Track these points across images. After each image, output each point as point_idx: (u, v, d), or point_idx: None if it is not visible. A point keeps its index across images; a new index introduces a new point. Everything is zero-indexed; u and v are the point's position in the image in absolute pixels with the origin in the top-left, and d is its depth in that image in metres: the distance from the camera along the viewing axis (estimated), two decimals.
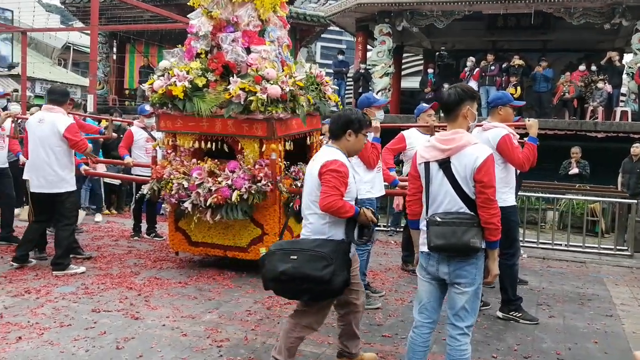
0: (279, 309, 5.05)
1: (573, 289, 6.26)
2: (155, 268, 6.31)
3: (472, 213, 3.18)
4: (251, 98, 5.46)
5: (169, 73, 5.85)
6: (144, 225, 8.23)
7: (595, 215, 10.03)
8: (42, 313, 4.71)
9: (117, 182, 10.07)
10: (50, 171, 5.98)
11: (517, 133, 5.02)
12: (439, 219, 3.17)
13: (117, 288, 5.48)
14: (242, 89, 5.49)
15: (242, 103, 5.51)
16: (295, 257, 3.41)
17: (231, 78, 5.63)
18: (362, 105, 5.39)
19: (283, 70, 5.87)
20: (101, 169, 8.83)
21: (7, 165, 7.19)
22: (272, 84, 5.49)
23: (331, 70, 17.25)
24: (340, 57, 17.62)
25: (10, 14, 26.46)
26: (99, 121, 9.68)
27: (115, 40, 19.32)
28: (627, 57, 15.96)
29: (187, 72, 5.76)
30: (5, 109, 6.55)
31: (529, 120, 5.01)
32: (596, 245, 8.47)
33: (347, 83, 18.29)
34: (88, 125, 8.53)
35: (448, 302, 3.31)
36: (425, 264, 3.32)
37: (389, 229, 9.38)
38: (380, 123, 5.34)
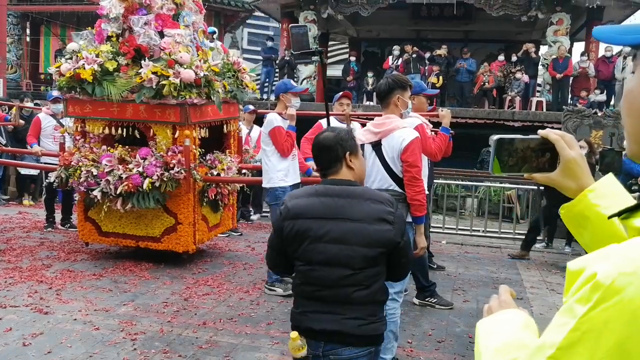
0: (197, 300, 4.96)
1: (488, 273, 6.45)
2: (69, 260, 6.07)
3: (400, 190, 3.58)
4: (163, 82, 5.30)
5: (77, 56, 5.59)
6: (58, 216, 7.85)
7: (512, 202, 10.38)
8: None
9: (35, 171, 9.53)
10: None
11: (430, 122, 5.08)
12: None
13: (27, 282, 5.25)
14: (154, 73, 5.31)
15: (154, 87, 5.33)
16: None
17: (143, 62, 5.43)
18: (279, 91, 5.34)
19: (198, 56, 5.69)
20: None
21: None
22: (185, 68, 5.32)
23: (259, 57, 17.01)
24: (269, 43, 17.41)
25: None
26: (9, 107, 9.13)
27: (28, 22, 18.27)
28: (543, 49, 16.60)
29: (97, 55, 5.52)
30: None
31: (442, 110, 5.07)
32: (511, 231, 8.76)
33: (277, 70, 18.10)
34: None
35: None
36: None
37: None
38: (297, 110, 5.28)
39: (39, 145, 7.47)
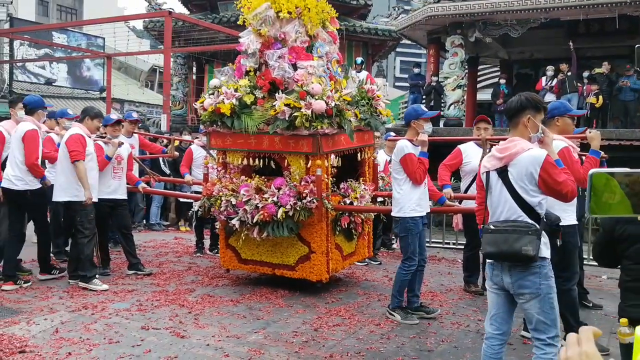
0: (327, 330, 4.90)
1: None
2: (211, 285, 6.31)
3: (530, 222, 3.19)
4: (296, 114, 5.39)
5: (218, 91, 5.89)
6: (207, 242, 8.30)
7: None
8: (95, 329, 4.79)
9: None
10: (59, 180, 6.20)
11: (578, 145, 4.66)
12: (492, 227, 3.25)
13: (170, 305, 5.50)
14: (287, 105, 5.42)
15: (287, 119, 5.44)
16: None
17: (277, 95, 5.58)
18: (410, 117, 5.19)
19: (331, 86, 5.74)
20: None
21: (125, 196, 6.94)
22: (317, 99, 5.38)
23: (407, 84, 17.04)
24: (416, 70, 17.43)
25: (102, 41, 28.12)
26: (156, 139, 9.88)
27: (193, 62, 19.93)
28: None
29: (236, 90, 5.78)
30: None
31: (590, 132, 4.60)
32: None
33: (424, 96, 17.97)
34: (152, 144, 8.79)
35: (525, 316, 3.41)
36: (490, 273, 3.37)
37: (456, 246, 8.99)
38: (429, 136, 5.10)
39: (190, 174, 8.00)
